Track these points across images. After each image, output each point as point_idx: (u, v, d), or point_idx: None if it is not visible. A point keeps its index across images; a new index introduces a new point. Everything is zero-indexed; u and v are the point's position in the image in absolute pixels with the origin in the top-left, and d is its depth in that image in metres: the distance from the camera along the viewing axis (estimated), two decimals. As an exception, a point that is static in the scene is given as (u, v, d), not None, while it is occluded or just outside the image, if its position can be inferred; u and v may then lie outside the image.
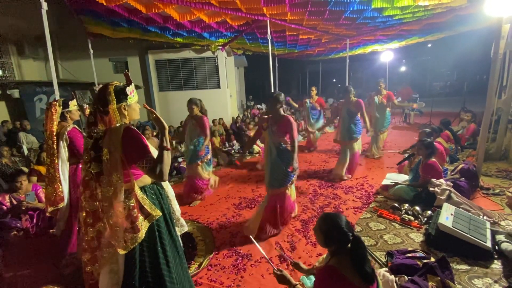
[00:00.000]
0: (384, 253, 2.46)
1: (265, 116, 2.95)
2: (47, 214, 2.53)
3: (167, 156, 1.45)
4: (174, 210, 1.92)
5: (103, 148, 1.41)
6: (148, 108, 1.57)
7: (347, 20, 5.26)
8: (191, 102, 3.78)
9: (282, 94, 2.86)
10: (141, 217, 1.48)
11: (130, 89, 1.53)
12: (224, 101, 9.58)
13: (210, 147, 3.99)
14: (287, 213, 3.02)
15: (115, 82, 1.52)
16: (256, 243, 1.92)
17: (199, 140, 3.83)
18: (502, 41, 3.79)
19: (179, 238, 1.83)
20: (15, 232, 3.00)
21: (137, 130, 1.48)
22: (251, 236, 2.09)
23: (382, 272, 2.08)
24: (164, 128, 1.47)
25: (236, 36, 6.76)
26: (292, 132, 2.74)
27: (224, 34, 6.46)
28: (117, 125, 1.46)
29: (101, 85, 1.64)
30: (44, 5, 2.94)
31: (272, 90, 5.44)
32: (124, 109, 1.52)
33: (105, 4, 3.80)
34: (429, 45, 17.25)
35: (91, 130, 1.48)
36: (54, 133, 2.37)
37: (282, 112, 2.84)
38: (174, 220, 1.85)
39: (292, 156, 2.74)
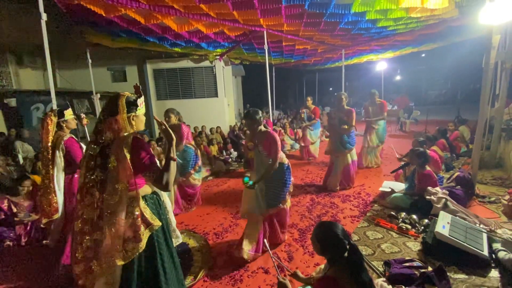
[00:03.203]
0: (382, 262, 2.45)
1: (249, 143, 2.80)
2: (41, 226, 2.49)
3: (173, 167, 1.50)
4: (170, 221, 1.93)
5: (110, 156, 1.42)
6: (158, 120, 1.60)
7: (342, 31, 5.38)
8: (168, 112, 3.81)
9: (259, 111, 2.64)
10: (143, 227, 1.50)
11: (140, 101, 1.59)
12: (222, 110, 9.63)
13: (198, 153, 3.98)
14: (285, 226, 2.97)
15: (127, 93, 1.57)
16: (269, 251, 1.87)
17: (188, 151, 3.84)
18: (493, 51, 3.88)
19: (175, 249, 1.82)
20: (8, 242, 2.95)
21: (144, 140, 1.50)
22: (265, 240, 2.06)
23: (380, 282, 2.06)
24: (172, 139, 1.52)
25: (234, 46, 6.87)
26: (275, 147, 2.52)
27: (222, 44, 6.57)
28: (125, 134, 1.49)
29: (99, 94, 1.67)
30: (44, 16, 2.98)
31: (269, 99, 5.50)
32: (132, 119, 1.56)
33: (104, 15, 3.87)
34: (423, 55, 17.56)
35: (99, 137, 1.50)
36: (50, 144, 2.36)
37: (263, 129, 2.65)
38: (170, 231, 1.84)
39: (269, 171, 2.53)
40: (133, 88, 1.59)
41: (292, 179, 2.87)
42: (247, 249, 2.60)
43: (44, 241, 3.03)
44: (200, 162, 4.02)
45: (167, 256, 1.64)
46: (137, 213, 1.48)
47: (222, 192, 4.77)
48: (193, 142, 3.97)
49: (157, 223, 1.55)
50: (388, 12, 4.40)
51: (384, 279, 2.16)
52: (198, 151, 4.02)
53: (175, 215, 3.73)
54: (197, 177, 4.02)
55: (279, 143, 2.56)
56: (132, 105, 1.54)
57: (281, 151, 2.67)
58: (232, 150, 7.28)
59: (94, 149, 1.49)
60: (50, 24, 3.08)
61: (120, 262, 1.41)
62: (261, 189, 2.67)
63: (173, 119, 3.83)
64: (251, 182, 2.53)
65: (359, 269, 1.38)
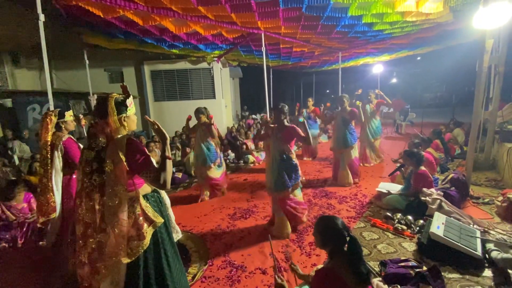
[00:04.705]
0: (378, 262, 2.48)
1: (271, 125, 3.14)
2: (38, 225, 2.48)
3: (169, 165, 1.51)
4: (170, 217, 1.96)
5: (106, 160, 1.43)
6: (150, 120, 1.60)
7: (339, 34, 5.44)
8: (198, 112, 4.19)
9: (286, 106, 3.12)
10: (145, 225, 1.52)
11: (130, 101, 1.59)
12: (219, 111, 9.64)
13: (218, 152, 4.37)
14: (299, 213, 3.21)
15: (115, 94, 1.56)
16: (270, 243, 2.08)
17: (210, 147, 4.24)
18: (487, 55, 3.96)
19: (175, 245, 1.85)
20: (4, 244, 2.92)
21: (139, 141, 1.52)
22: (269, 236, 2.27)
23: (376, 282, 2.08)
24: (166, 138, 1.53)
25: (232, 48, 6.89)
26: (299, 135, 2.99)
27: (220, 46, 6.59)
28: (119, 136, 1.50)
29: (96, 95, 1.69)
30: (41, 17, 2.98)
31: (267, 101, 5.53)
32: (124, 120, 1.56)
33: (102, 16, 3.87)
34: (418, 58, 17.79)
35: (92, 141, 1.51)
36: (49, 143, 2.36)
37: (286, 123, 3.09)
38: (171, 227, 1.87)
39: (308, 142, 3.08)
40: (120, 88, 1.58)
41: (303, 178, 3.22)
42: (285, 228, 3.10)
43: (40, 242, 3.01)
44: (219, 160, 4.37)
45: (171, 250, 1.68)
46: (138, 212, 1.50)
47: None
48: (217, 140, 4.37)
49: (159, 220, 1.58)
50: (384, 16, 4.47)
51: (380, 278, 2.19)
52: (219, 149, 4.37)
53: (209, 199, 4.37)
54: (218, 171, 4.39)
55: (299, 129, 3.04)
56: (121, 106, 1.54)
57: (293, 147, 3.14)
58: (229, 151, 7.29)
59: (90, 154, 1.50)
60: (47, 25, 3.08)
61: (125, 260, 1.43)
62: (274, 172, 3.06)
63: (203, 118, 4.20)
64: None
65: (358, 260, 1.42)
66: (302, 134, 3.01)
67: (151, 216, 1.55)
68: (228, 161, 6.86)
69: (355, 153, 4.80)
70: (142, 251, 1.48)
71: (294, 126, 3.06)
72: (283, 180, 3.03)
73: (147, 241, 1.50)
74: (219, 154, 4.40)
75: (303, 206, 3.28)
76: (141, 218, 1.50)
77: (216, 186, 4.43)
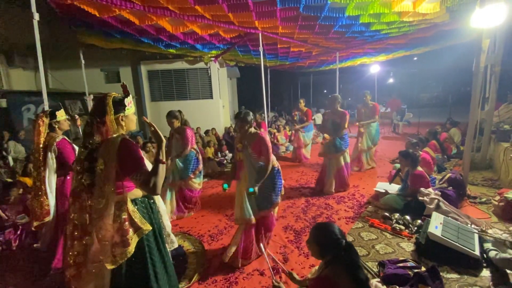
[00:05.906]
0: (376, 263, 2.47)
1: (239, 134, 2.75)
2: (33, 229, 2.44)
3: (162, 170, 1.44)
4: (165, 225, 1.89)
5: (98, 159, 1.39)
6: (147, 121, 1.55)
7: (336, 34, 5.44)
8: (170, 116, 3.64)
9: (250, 113, 2.63)
10: (131, 231, 1.45)
11: (128, 100, 1.55)
12: (217, 111, 9.61)
13: (199, 157, 3.87)
14: (271, 233, 2.87)
15: (113, 93, 1.52)
16: (265, 256, 1.92)
17: (189, 154, 3.72)
18: (483, 55, 3.98)
19: (169, 255, 1.79)
20: (-2, 247, 2.88)
21: (133, 142, 1.48)
22: (261, 247, 2.04)
23: (374, 283, 2.08)
24: (162, 141, 1.47)
25: (229, 48, 6.87)
26: (266, 150, 2.49)
27: (217, 46, 6.56)
28: (114, 136, 1.46)
29: (92, 96, 1.65)
30: (36, 16, 2.94)
31: (264, 101, 5.51)
32: (122, 120, 1.52)
33: (98, 15, 3.83)
34: (415, 58, 17.89)
35: (87, 140, 1.47)
36: (41, 145, 2.32)
37: (253, 130, 2.61)
38: (164, 236, 1.79)
39: (263, 176, 2.49)
40: (121, 87, 1.54)
41: (283, 181, 2.81)
42: (229, 253, 2.59)
43: (34, 245, 2.96)
44: (201, 167, 3.86)
45: (159, 261, 1.59)
46: (124, 217, 1.44)
47: (217, 194, 4.75)
48: (195, 146, 3.82)
49: (146, 227, 1.50)
50: (381, 16, 4.47)
51: (379, 279, 2.18)
52: (200, 156, 3.86)
53: (177, 218, 3.72)
54: (197, 181, 3.86)
55: (269, 144, 2.52)
56: (119, 105, 1.50)
57: (272, 153, 2.61)
58: (227, 151, 7.27)
59: (83, 152, 1.47)
60: (42, 24, 3.03)
61: (109, 266, 1.38)
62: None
63: (176, 124, 3.69)
64: (251, 189, 2.41)
65: (356, 267, 1.39)
66: (269, 151, 2.50)
67: (137, 223, 1.48)
68: (226, 161, 6.84)
69: (346, 159, 4.42)
70: (126, 258, 1.42)
71: (263, 135, 2.53)
72: (267, 195, 2.60)
73: (131, 248, 1.43)
74: (199, 161, 3.84)
75: (274, 224, 2.80)
76: (126, 223, 1.43)
77: (189, 200, 3.85)
